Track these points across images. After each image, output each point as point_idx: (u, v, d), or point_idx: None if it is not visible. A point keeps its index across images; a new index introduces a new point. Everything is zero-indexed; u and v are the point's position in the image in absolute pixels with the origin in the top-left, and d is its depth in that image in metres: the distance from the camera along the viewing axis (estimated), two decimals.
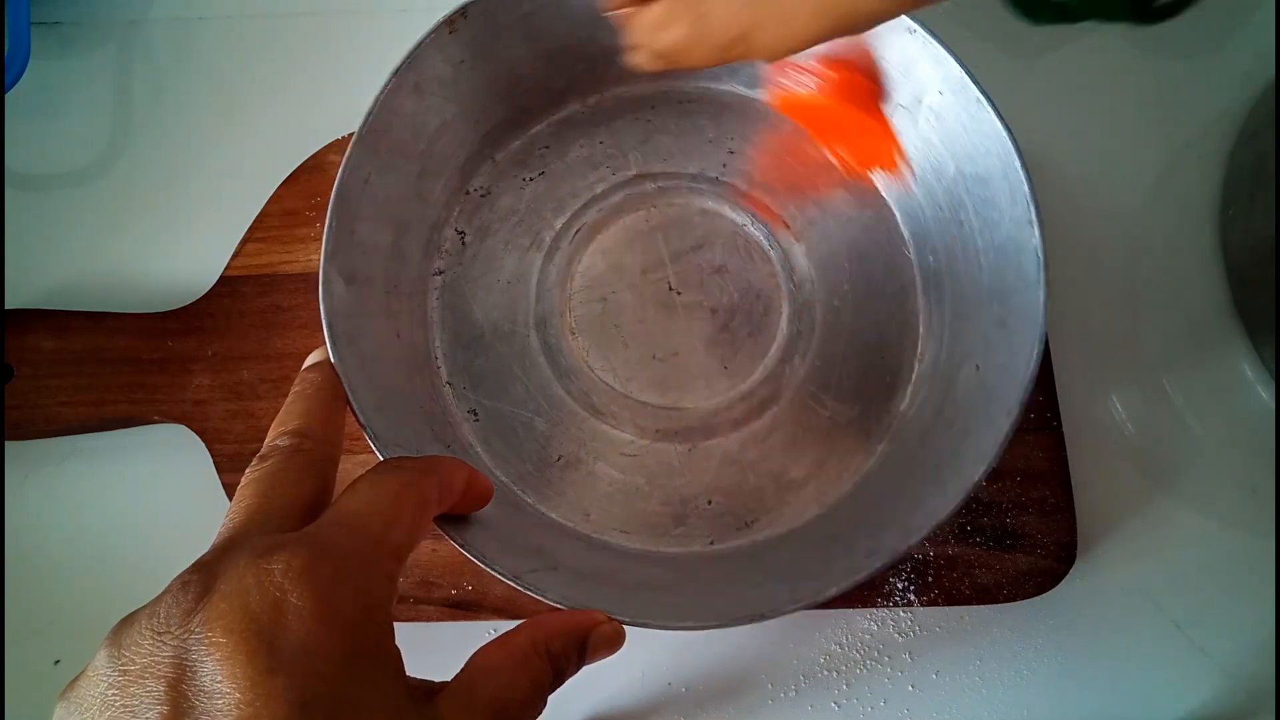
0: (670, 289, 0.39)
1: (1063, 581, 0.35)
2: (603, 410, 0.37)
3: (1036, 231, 0.31)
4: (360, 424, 0.30)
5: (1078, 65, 0.44)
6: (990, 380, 0.32)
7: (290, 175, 0.41)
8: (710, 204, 0.40)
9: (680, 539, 0.35)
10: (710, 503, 0.36)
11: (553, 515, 0.36)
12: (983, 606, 0.36)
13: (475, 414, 0.37)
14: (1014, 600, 0.35)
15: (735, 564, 0.35)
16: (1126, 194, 0.42)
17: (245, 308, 0.39)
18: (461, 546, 0.28)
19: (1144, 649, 0.36)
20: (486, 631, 0.36)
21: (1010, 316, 0.32)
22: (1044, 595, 0.35)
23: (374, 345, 0.34)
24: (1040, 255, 0.30)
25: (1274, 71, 0.42)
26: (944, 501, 0.29)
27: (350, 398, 0.30)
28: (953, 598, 0.35)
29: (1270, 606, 0.36)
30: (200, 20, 0.46)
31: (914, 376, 0.37)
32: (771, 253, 0.39)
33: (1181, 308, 0.40)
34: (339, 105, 0.42)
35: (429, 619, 0.35)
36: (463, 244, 0.39)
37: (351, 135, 0.34)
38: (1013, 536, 0.36)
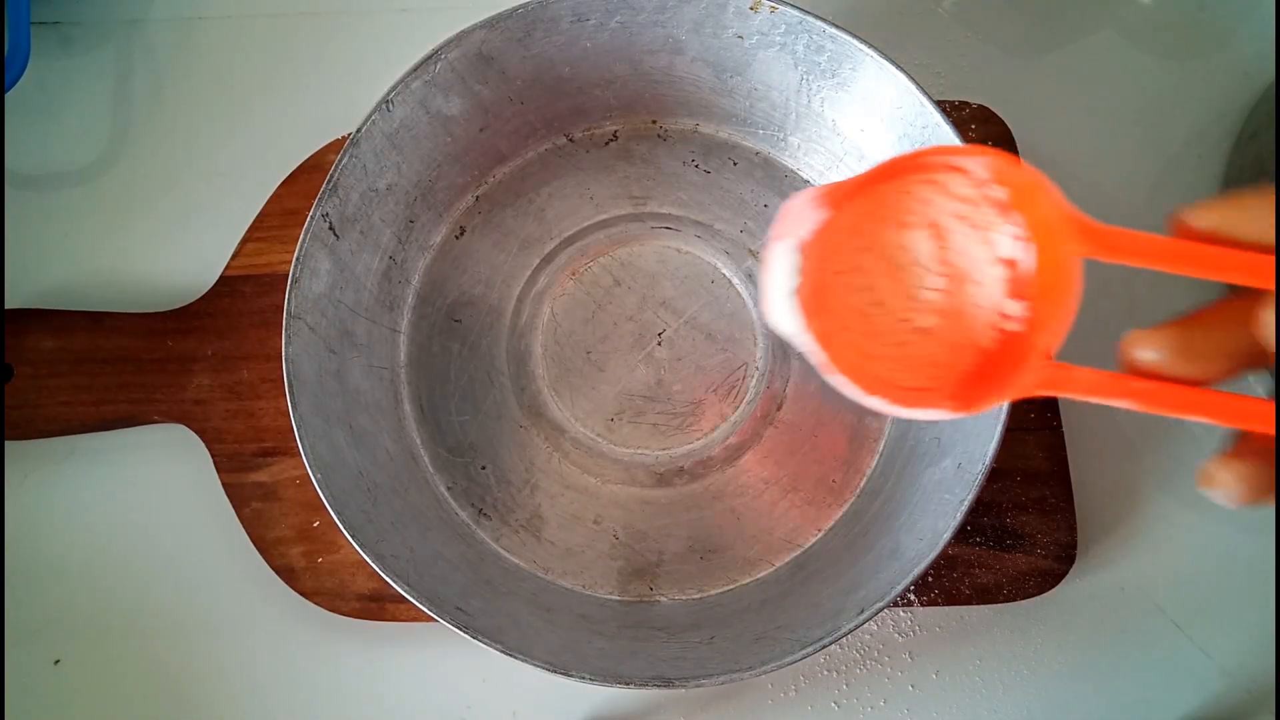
0: (650, 335, 0.38)
1: (1063, 581, 0.35)
2: (568, 452, 0.37)
3: None
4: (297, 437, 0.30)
5: (1078, 65, 0.44)
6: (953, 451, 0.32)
7: (290, 175, 0.41)
8: (703, 253, 0.39)
9: (637, 587, 0.35)
10: (671, 552, 0.36)
11: (511, 557, 0.35)
12: (983, 606, 0.36)
13: (442, 452, 0.37)
14: (1014, 600, 0.35)
15: (693, 616, 0.34)
16: (1126, 194, 0.42)
17: (245, 307, 0.39)
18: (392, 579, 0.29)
19: (1144, 649, 0.36)
20: None
21: None
22: (1044, 595, 0.35)
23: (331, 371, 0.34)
24: None
25: (1274, 71, 0.42)
26: (901, 567, 0.29)
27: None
28: (953, 598, 0.35)
29: (1270, 606, 0.36)
30: (200, 20, 0.46)
31: (883, 440, 0.36)
32: (756, 309, 0.38)
33: (1181, 307, 0.40)
34: (339, 105, 0.42)
35: (429, 619, 0.35)
36: (445, 268, 0.39)
37: (351, 135, 0.34)
38: (1013, 536, 0.36)
